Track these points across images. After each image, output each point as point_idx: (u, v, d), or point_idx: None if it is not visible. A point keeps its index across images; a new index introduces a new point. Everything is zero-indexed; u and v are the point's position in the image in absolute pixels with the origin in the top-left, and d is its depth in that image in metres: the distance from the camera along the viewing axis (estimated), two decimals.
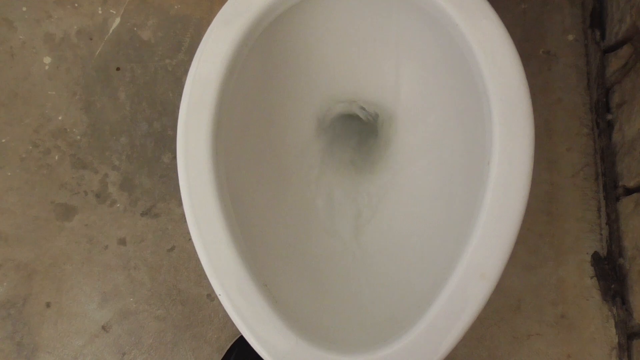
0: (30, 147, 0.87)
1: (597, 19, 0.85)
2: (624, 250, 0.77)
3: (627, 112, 0.78)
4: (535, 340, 0.79)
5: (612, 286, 0.78)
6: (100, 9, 0.92)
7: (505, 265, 0.45)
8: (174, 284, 0.83)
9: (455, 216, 0.54)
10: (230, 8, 0.51)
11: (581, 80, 0.86)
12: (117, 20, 0.91)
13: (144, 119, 0.88)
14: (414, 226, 0.60)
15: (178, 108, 0.51)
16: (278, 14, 0.54)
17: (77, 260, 0.84)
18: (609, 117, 0.82)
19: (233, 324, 0.63)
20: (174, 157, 0.87)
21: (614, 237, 0.79)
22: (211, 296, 0.83)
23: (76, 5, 0.92)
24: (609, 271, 0.79)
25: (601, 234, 0.81)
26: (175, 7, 0.92)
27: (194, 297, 0.83)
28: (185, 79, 0.51)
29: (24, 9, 0.91)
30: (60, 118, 0.88)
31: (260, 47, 0.56)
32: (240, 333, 0.52)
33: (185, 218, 0.48)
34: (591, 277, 0.80)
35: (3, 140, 0.88)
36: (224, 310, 0.47)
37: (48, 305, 0.83)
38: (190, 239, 0.84)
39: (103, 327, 0.82)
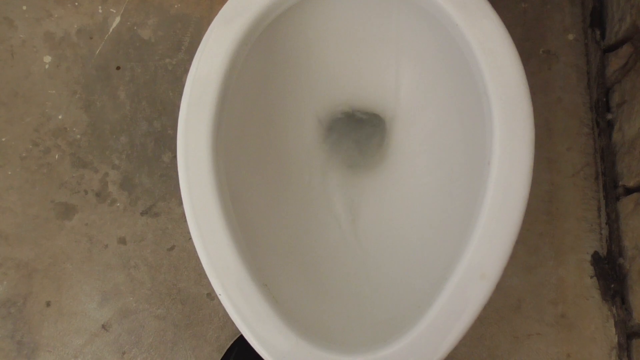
0: (31, 146, 0.87)
1: (597, 18, 0.85)
2: (623, 250, 0.77)
3: (627, 112, 0.78)
4: (535, 340, 0.79)
5: (612, 286, 0.78)
6: (100, 8, 0.91)
7: (506, 265, 0.45)
8: (174, 283, 0.83)
9: (455, 216, 0.54)
10: (231, 7, 0.51)
11: (581, 80, 0.86)
12: (117, 19, 0.91)
13: (144, 118, 0.88)
14: (414, 226, 0.60)
15: (178, 107, 0.51)
16: (278, 14, 0.54)
17: (77, 259, 0.84)
18: (609, 116, 0.82)
19: (233, 323, 0.63)
20: (174, 157, 0.87)
21: (614, 236, 0.79)
22: (211, 295, 0.83)
23: (76, 4, 0.92)
24: (608, 271, 0.79)
25: (601, 234, 0.81)
26: (176, 6, 0.92)
27: (194, 297, 0.83)
28: (185, 78, 0.51)
29: (24, 7, 0.91)
30: (60, 117, 0.88)
31: (261, 46, 0.56)
32: (240, 332, 0.52)
33: (185, 217, 0.48)
34: (591, 277, 0.80)
35: (3, 139, 0.88)
36: (224, 310, 0.47)
37: (48, 304, 0.83)
38: (190, 238, 0.84)
39: (103, 326, 0.82)
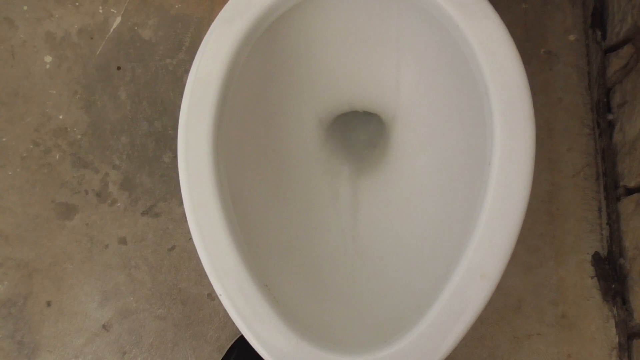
0: (31, 146, 0.88)
1: (598, 19, 0.85)
2: (624, 251, 0.77)
3: (628, 112, 0.78)
4: (536, 340, 0.79)
5: (613, 286, 0.78)
6: (101, 8, 0.92)
7: (506, 266, 0.45)
8: (175, 284, 0.83)
9: (455, 216, 0.54)
10: (232, 8, 0.51)
11: (582, 80, 0.86)
12: (118, 19, 0.91)
13: (144, 119, 0.88)
14: (414, 226, 0.60)
15: (179, 108, 0.51)
16: (279, 14, 0.54)
17: (78, 260, 0.84)
18: (610, 117, 0.82)
19: (233, 324, 0.63)
20: (175, 157, 0.87)
21: (614, 237, 0.79)
22: (212, 295, 0.83)
23: (77, 4, 0.92)
24: (609, 271, 0.79)
25: (602, 234, 0.81)
26: (176, 6, 0.92)
27: (195, 297, 0.83)
28: (186, 79, 0.51)
29: (25, 8, 0.91)
30: (61, 117, 0.88)
31: (262, 47, 0.56)
32: (241, 332, 0.52)
33: (185, 217, 0.48)
34: (592, 277, 0.80)
35: (4, 139, 0.88)
36: (225, 310, 0.47)
37: (49, 304, 0.83)
38: (190, 239, 0.84)
39: (103, 326, 0.82)
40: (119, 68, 0.90)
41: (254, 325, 0.45)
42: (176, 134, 0.50)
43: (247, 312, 0.45)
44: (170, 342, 0.82)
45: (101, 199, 0.86)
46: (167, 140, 0.88)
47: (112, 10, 0.92)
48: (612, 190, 0.80)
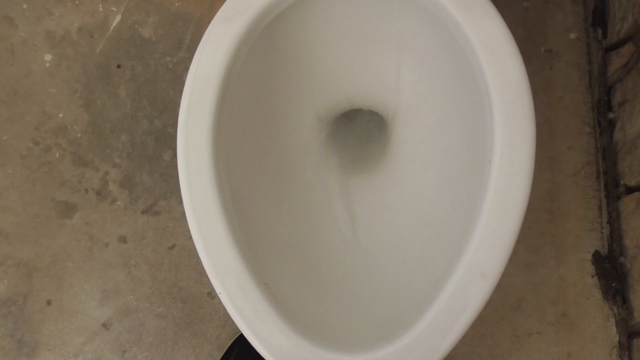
0: (31, 145, 0.87)
1: (599, 17, 0.85)
2: (625, 249, 0.77)
3: (628, 111, 0.77)
4: (536, 339, 0.79)
5: (613, 285, 0.78)
6: (101, 6, 0.91)
7: (506, 264, 0.45)
8: (175, 282, 0.83)
9: (455, 215, 0.54)
10: (231, 6, 0.51)
11: (583, 79, 0.86)
12: (118, 17, 0.91)
13: (144, 117, 0.88)
14: (414, 225, 0.60)
15: (179, 106, 0.50)
16: (279, 12, 0.53)
17: (78, 258, 0.84)
18: (611, 115, 0.82)
19: (233, 322, 0.63)
20: (175, 155, 0.87)
21: (615, 235, 0.79)
22: (212, 294, 0.83)
23: (77, 2, 0.92)
24: (610, 270, 0.79)
25: (602, 233, 0.81)
26: (176, 4, 0.91)
27: (195, 295, 0.83)
28: (186, 77, 0.51)
29: (25, 6, 0.91)
30: (60, 115, 0.88)
31: (261, 45, 0.55)
32: (241, 331, 0.52)
33: (185, 216, 0.48)
34: (592, 276, 0.80)
35: (4, 138, 0.88)
36: (225, 309, 0.47)
37: (49, 302, 0.83)
38: (190, 237, 0.84)
39: (104, 325, 0.82)
40: (119, 66, 0.90)
41: (253, 323, 0.45)
42: (176, 132, 0.50)
43: (247, 311, 0.45)
44: (170, 340, 0.82)
45: (101, 198, 0.86)
46: (167, 138, 0.88)
47: (112, 8, 0.91)
48: (613, 189, 0.80)
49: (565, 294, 0.80)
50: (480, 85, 0.49)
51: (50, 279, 0.84)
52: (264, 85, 0.60)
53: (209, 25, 0.51)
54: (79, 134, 0.88)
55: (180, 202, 0.85)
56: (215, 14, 0.52)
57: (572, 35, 0.87)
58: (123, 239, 0.85)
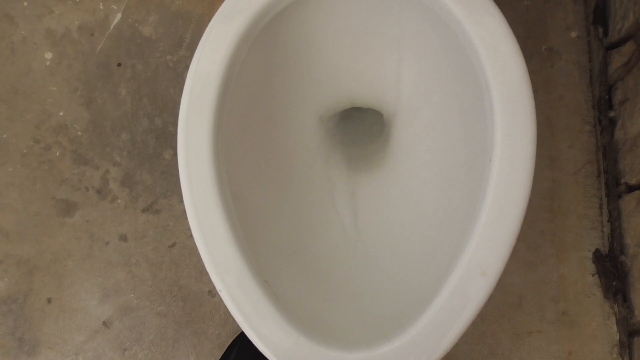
0: (31, 143, 0.87)
1: (600, 16, 0.85)
2: (625, 248, 0.77)
3: (629, 110, 0.77)
4: (536, 337, 0.79)
5: (614, 283, 0.78)
6: (101, 4, 0.91)
7: (507, 263, 0.45)
8: (175, 280, 0.83)
9: (456, 213, 0.54)
10: (231, 4, 0.51)
11: (583, 77, 0.86)
12: (119, 16, 0.91)
13: (145, 115, 0.88)
14: (415, 223, 0.60)
15: (179, 104, 0.51)
16: (279, 11, 0.53)
17: (78, 256, 0.84)
18: (612, 114, 0.82)
19: (234, 320, 0.63)
20: (175, 154, 0.87)
21: (615, 234, 0.79)
22: (212, 292, 0.83)
23: (77, 0, 0.92)
24: (610, 268, 0.79)
25: (603, 231, 0.81)
26: (177, 3, 0.91)
27: (195, 294, 0.83)
28: (186, 75, 0.51)
29: (25, 4, 0.91)
30: (61, 114, 0.88)
31: (261, 43, 0.55)
32: (241, 329, 0.52)
33: (186, 214, 0.48)
34: (592, 275, 0.80)
35: (4, 136, 0.88)
36: (225, 307, 0.47)
37: (49, 301, 0.83)
38: (191, 235, 0.84)
39: (104, 323, 0.83)
40: (119, 65, 0.90)
41: (254, 321, 0.45)
42: (176, 130, 0.50)
43: (247, 308, 0.45)
44: (170, 339, 0.82)
45: (101, 196, 0.86)
46: (168, 137, 0.88)
47: (112, 6, 0.91)
48: (614, 187, 0.80)
49: (565, 292, 0.80)
50: (481, 84, 0.49)
51: (51, 277, 0.84)
52: (264, 84, 0.60)
53: (209, 24, 0.51)
54: (79, 132, 0.88)
55: (181, 200, 0.85)
56: (215, 12, 0.52)
57: (573, 34, 0.87)
58: (123, 238, 0.85)
